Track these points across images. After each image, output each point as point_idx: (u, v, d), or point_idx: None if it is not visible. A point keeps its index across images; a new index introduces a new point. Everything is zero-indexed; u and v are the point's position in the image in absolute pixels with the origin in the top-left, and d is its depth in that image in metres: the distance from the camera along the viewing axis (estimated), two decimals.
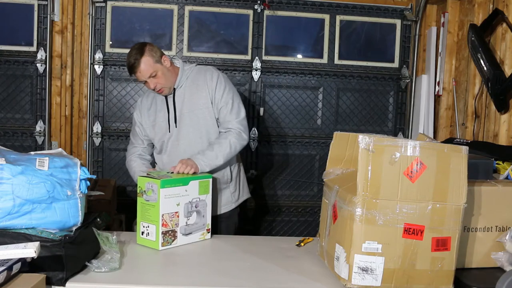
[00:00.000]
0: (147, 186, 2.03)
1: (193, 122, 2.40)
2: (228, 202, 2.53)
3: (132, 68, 2.30)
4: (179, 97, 2.41)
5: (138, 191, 2.06)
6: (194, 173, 2.18)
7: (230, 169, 2.49)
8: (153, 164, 2.55)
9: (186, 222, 2.10)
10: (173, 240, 2.06)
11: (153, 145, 2.53)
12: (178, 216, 2.07)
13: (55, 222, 1.69)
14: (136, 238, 2.09)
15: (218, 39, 3.82)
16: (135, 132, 2.51)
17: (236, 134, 2.36)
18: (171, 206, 2.04)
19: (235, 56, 3.78)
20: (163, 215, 2.01)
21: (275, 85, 3.84)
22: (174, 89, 2.41)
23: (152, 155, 2.56)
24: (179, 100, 2.40)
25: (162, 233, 2.02)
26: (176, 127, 2.41)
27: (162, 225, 2.01)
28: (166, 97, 2.41)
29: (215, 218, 2.40)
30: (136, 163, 2.47)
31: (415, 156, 1.59)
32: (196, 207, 2.14)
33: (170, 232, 2.04)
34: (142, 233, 2.06)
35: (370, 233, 1.58)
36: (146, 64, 2.29)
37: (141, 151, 2.51)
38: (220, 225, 2.48)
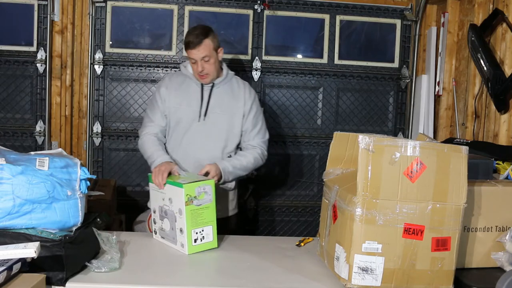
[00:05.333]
0: (198, 190, 1.97)
1: (219, 125, 2.44)
2: (231, 208, 2.61)
3: (193, 45, 2.33)
4: (215, 96, 2.44)
5: (186, 200, 1.94)
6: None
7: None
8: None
9: None
10: None
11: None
12: None
13: (55, 222, 1.69)
14: (140, 237, 2.09)
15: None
16: (157, 107, 2.45)
17: (260, 152, 2.50)
18: None
19: (235, 56, 3.77)
20: None
21: (275, 85, 3.84)
22: (213, 84, 2.46)
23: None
24: (215, 98, 2.44)
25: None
26: (199, 121, 2.43)
27: None
28: (202, 89, 2.44)
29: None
30: (153, 144, 2.39)
31: (415, 156, 1.59)
32: None
33: None
34: (195, 240, 1.97)
35: (370, 233, 1.58)
36: (206, 46, 2.35)
37: (158, 131, 2.45)
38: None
